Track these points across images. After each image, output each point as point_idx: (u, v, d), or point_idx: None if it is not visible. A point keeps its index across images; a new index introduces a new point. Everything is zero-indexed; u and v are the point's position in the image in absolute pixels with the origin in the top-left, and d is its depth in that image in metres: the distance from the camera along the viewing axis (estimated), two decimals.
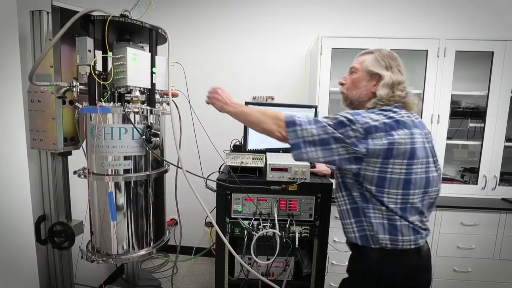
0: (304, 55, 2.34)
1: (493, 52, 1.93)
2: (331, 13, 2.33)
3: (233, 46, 2.44)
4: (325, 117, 0.94)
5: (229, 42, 2.44)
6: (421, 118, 1.99)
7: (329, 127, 0.88)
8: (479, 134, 2.09)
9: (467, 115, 2.15)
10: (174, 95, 1.54)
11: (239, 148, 1.79)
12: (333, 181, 1.66)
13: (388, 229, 0.90)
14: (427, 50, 1.95)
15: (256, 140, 1.71)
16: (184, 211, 1.98)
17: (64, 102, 1.35)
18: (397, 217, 0.89)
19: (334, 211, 1.88)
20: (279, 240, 1.29)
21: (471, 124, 2.16)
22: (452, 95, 1.99)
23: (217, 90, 1.18)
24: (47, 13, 1.25)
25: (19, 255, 1.09)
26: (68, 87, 1.16)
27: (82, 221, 1.51)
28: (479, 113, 2.10)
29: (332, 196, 1.33)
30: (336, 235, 1.94)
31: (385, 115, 0.89)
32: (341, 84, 1.09)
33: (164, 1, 2.43)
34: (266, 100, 2.40)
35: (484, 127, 1.99)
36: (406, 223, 0.89)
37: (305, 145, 0.90)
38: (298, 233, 1.38)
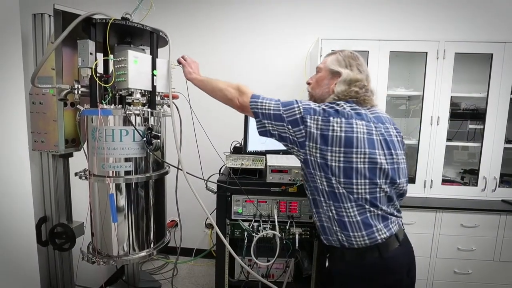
0: (304, 57, 2.35)
1: (492, 54, 1.93)
2: (331, 13, 2.34)
3: (233, 47, 2.45)
4: None
5: (229, 43, 2.45)
6: (420, 119, 2.00)
7: (281, 105, 0.98)
8: (479, 136, 2.09)
9: (466, 116, 2.15)
10: (174, 97, 1.55)
11: (239, 150, 1.80)
12: None
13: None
14: (426, 52, 1.95)
15: (257, 142, 1.71)
16: (185, 212, 1.98)
17: (65, 104, 1.36)
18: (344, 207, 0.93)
19: None
20: (279, 242, 1.30)
21: (470, 126, 2.16)
22: (451, 96, 1.99)
23: (191, 60, 1.33)
24: (49, 16, 1.27)
25: (20, 256, 1.09)
26: (69, 90, 1.17)
27: (83, 222, 1.52)
28: (478, 115, 2.10)
29: None
30: None
31: (326, 105, 0.96)
32: (308, 83, 1.14)
33: (165, 2, 2.44)
34: None
35: (483, 129, 2.00)
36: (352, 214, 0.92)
37: (263, 117, 1.01)
38: (298, 235, 1.38)
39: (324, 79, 1.06)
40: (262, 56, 2.43)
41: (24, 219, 1.11)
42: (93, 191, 1.24)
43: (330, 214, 0.94)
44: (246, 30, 2.43)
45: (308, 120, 0.92)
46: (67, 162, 1.46)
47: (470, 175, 2.16)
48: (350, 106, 0.96)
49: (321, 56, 1.99)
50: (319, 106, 0.95)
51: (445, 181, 2.08)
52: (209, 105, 2.44)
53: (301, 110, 0.94)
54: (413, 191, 2.00)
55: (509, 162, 2.09)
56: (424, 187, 2.04)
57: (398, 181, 0.95)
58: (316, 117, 0.92)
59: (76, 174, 1.29)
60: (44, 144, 1.38)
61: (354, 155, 0.89)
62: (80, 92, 1.16)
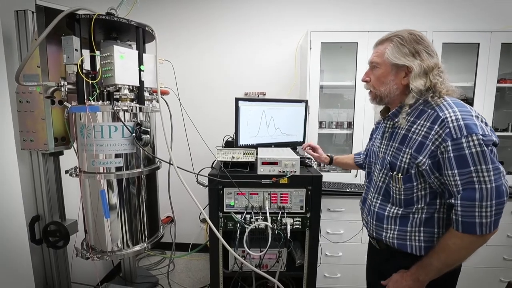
0: (294, 50, 2.36)
1: (479, 44, 1.96)
2: (321, 5, 2.33)
3: (223, 42, 2.44)
4: (475, 169, 0.78)
5: (219, 39, 2.44)
6: None
7: (500, 175, 0.78)
8: None
9: None
10: (164, 93, 1.55)
11: (232, 144, 1.81)
12: (326, 172, 1.75)
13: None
14: None
15: (248, 136, 1.73)
16: (180, 208, 2.00)
17: (53, 102, 1.35)
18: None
19: (324, 203, 1.92)
20: (270, 232, 1.32)
21: None
22: None
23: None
24: (32, 12, 1.25)
25: (12, 256, 1.10)
26: (56, 87, 1.16)
27: (76, 220, 1.52)
28: (468, 104, 2.13)
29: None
30: (329, 227, 1.98)
31: (474, 123, 0.80)
32: (365, 81, 1.02)
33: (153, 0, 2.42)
34: (258, 96, 2.42)
35: None
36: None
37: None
38: (290, 225, 1.40)
39: (387, 76, 0.93)
40: (252, 51, 2.43)
41: (15, 219, 1.12)
42: (84, 188, 1.25)
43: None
44: (235, 25, 2.41)
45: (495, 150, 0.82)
46: (57, 160, 1.46)
47: None
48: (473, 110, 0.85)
49: (310, 49, 2.00)
50: (482, 126, 0.81)
51: None
52: (200, 101, 2.48)
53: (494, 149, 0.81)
54: None
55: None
56: None
57: None
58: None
59: (66, 171, 1.29)
60: (33, 143, 1.37)
61: None
62: (66, 89, 1.15)
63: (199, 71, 2.48)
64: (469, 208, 0.79)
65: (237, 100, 1.69)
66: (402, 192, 0.93)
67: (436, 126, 0.83)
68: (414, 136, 0.89)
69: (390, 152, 0.98)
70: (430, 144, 0.84)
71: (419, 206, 0.92)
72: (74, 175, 1.24)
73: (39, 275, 1.49)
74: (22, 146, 1.39)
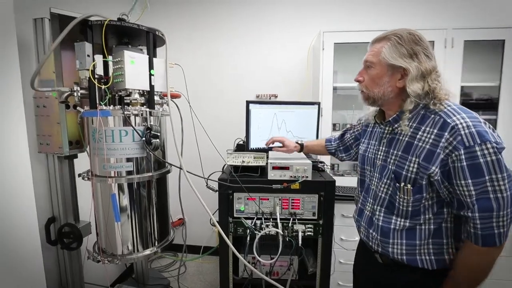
0: (307, 51, 2.31)
1: (504, 41, 1.84)
2: (334, 6, 2.27)
3: (234, 44, 2.43)
4: (492, 176, 0.74)
5: (230, 40, 2.43)
6: None
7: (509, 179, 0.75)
8: (492, 126, 2.00)
9: (479, 107, 2.06)
10: (176, 96, 1.56)
11: (243, 147, 1.79)
12: (340, 176, 1.66)
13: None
14: (433, 41, 1.88)
15: (259, 139, 1.70)
16: (192, 210, 2.00)
17: (68, 107, 1.38)
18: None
19: (338, 208, 1.86)
20: (281, 239, 1.28)
21: (483, 116, 2.07)
22: (462, 86, 1.91)
23: None
24: (49, 20, 1.29)
25: (25, 257, 1.12)
26: (69, 92, 1.19)
27: (90, 222, 1.55)
28: (492, 105, 2.01)
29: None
30: (343, 233, 1.92)
31: (485, 130, 0.76)
32: (358, 81, 0.95)
33: (166, 2, 2.45)
34: (270, 98, 2.39)
35: (496, 119, 1.91)
36: None
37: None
38: (301, 232, 1.36)
39: (382, 77, 0.87)
40: (264, 53, 2.40)
41: (28, 220, 1.14)
42: (96, 191, 1.26)
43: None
44: (245, 26, 2.40)
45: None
46: (72, 163, 1.49)
47: None
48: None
49: (323, 49, 1.95)
50: (492, 133, 0.77)
51: None
52: (211, 104, 2.48)
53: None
54: None
55: None
56: None
57: None
58: None
59: (79, 175, 1.31)
60: (49, 146, 1.41)
61: None
62: (79, 94, 1.17)
63: (210, 73, 2.48)
64: (487, 219, 0.75)
65: (247, 103, 1.67)
66: (410, 204, 0.86)
67: (446, 134, 0.77)
68: (420, 144, 0.83)
69: (392, 161, 0.91)
70: (441, 152, 0.78)
71: (427, 216, 0.86)
72: (86, 178, 1.25)
73: (53, 276, 1.53)
74: (39, 149, 1.43)
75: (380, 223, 0.94)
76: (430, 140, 0.80)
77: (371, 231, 0.98)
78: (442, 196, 0.83)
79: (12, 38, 1.00)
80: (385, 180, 0.92)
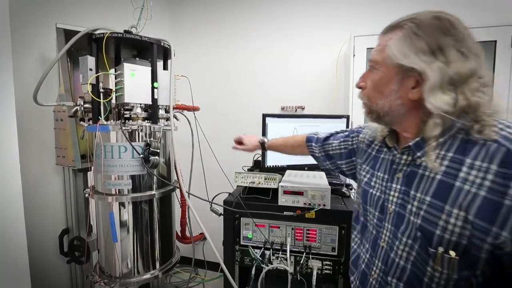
0: (336, 58, 2.08)
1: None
2: (365, 8, 1.99)
3: (257, 52, 2.28)
4: None
5: (253, 48, 2.29)
6: None
7: None
8: None
9: None
10: (195, 109, 1.49)
11: (260, 164, 1.64)
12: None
13: None
14: None
15: (276, 157, 1.52)
16: (212, 226, 1.89)
17: (82, 120, 1.39)
18: None
19: None
20: (290, 278, 1.09)
21: None
22: None
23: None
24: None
25: (10, 261, 1.04)
26: (73, 106, 1.18)
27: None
28: None
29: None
30: None
31: None
32: (359, 87, 0.70)
33: (181, 8, 2.37)
34: (296, 111, 2.20)
35: None
36: None
37: None
38: (317, 270, 1.15)
39: (388, 83, 0.61)
40: (289, 61, 2.21)
41: (15, 224, 1.05)
42: (97, 208, 1.22)
43: None
44: (269, 33, 2.23)
45: None
46: (85, 176, 1.50)
47: None
48: None
49: (354, 55, 1.72)
50: None
51: None
52: (229, 116, 2.33)
53: None
54: None
55: None
56: None
57: None
58: None
59: (84, 190, 1.30)
60: (65, 159, 1.43)
61: None
62: (83, 109, 1.15)
63: (231, 84, 2.35)
64: None
65: (264, 116, 1.53)
66: (451, 283, 0.56)
67: None
68: (466, 187, 0.53)
69: (415, 209, 0.60)
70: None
71: None
72: (87, 195, 1.22)
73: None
74: (56, 162, 1.47)
75: None
76: (486, 182, 0.51)
77: None
78: (508, 272, 0.52)
79: (7, 44, 0.92)
80: (405, 240, 0.62)
